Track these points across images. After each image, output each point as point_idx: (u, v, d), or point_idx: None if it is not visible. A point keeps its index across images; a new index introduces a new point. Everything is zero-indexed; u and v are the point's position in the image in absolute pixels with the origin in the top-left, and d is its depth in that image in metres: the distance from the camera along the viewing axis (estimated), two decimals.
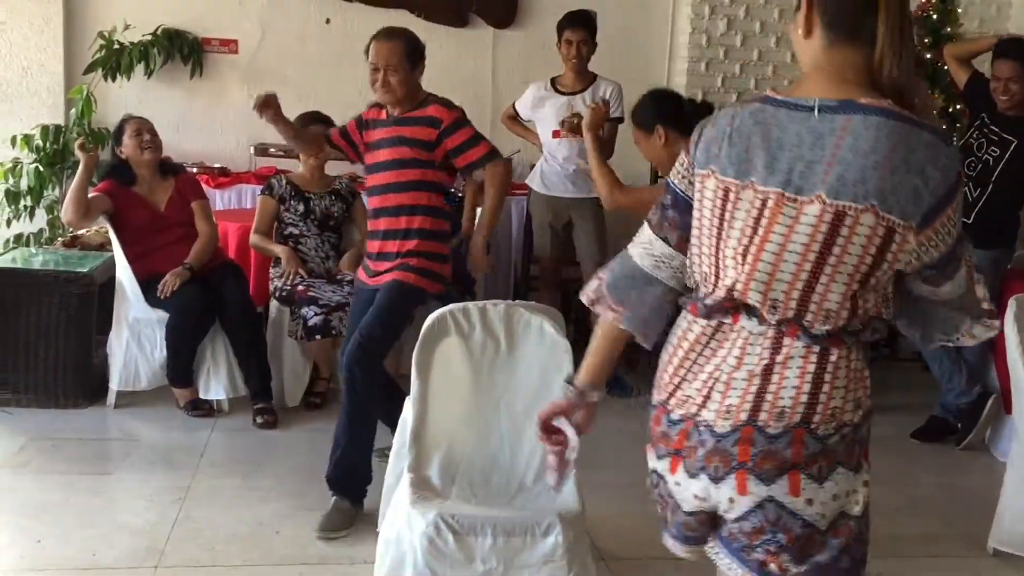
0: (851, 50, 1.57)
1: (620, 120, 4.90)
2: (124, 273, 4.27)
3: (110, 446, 4.00)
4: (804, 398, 1.56)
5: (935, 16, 6.02)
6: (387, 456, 3.08)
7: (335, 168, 4.83)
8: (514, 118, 5.22)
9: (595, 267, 3.98)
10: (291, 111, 4.58)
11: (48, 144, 5.57)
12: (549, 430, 1.87)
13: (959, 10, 6.06)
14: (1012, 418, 3.38)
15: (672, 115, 3.15)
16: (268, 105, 3.40)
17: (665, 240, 1.71)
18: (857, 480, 1.68)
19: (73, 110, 5.64)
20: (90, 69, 5.71)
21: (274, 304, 4.50)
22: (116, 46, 5.68)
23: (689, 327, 1.66)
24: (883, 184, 1.49)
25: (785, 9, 6.40)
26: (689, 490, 1.63)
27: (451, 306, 2.79)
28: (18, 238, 5.58)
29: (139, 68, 5.72)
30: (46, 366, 4.24)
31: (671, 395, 1.65)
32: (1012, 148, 4.22)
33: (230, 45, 6.02)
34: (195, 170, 5.33)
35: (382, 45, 3.29)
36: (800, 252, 1.52)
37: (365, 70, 6.16)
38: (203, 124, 6.05)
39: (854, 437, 1.67)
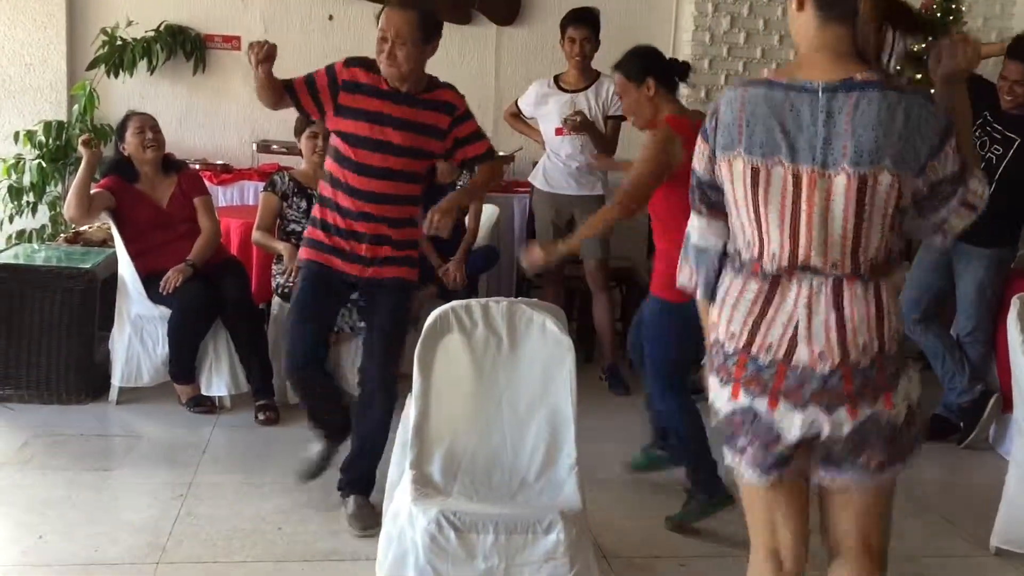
0: (840, 27, 1.83)
1: (623, 118, 4.90)
2: (126, 269, 4.27)
3: (112, 442, 4.00)
4: (875, 330, 1.86)
5: (939, 14, 6.01)
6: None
7: None
8: (517, 115, 5.22)
9: (598, 264, 3.97)
10: (291, 110, 4.59)
11: (51, 140, 5.57)
12: None
13: (963, 8, 6.04)
14: (1016, 417, 3.37)
15: (660, 70, 3.30)
16: (270, 58, 3.10)
17: (702, 214, 2.02)
18: (910, 377, 1.95)
19: (76, 106, 5.65)
20: (93, 65, 5.71)
21: (276, 301, 4.50)
22: (119, 42, 5.68)
23: (745, 285, 1.92)
24: (892, 147, 1.79)
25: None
26: (795, 422, 1.88)
27: (453, 303, 2.79)
28: (20, 234, 5.58)
29: (142, 64, 5.73)
30: (48, 362, 4.24)
31: (750, 343, 1.90)
32: (1016, 146, 4.21)
33: (233, 41, 6.01)
34: (198, 166, 5.32)
35: (395, 14, 3.03)
36: (842, 216, 1.82)
37: None
38: (206, 120, 6.05)
39: (904, 344, 1.95)
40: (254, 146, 5.83)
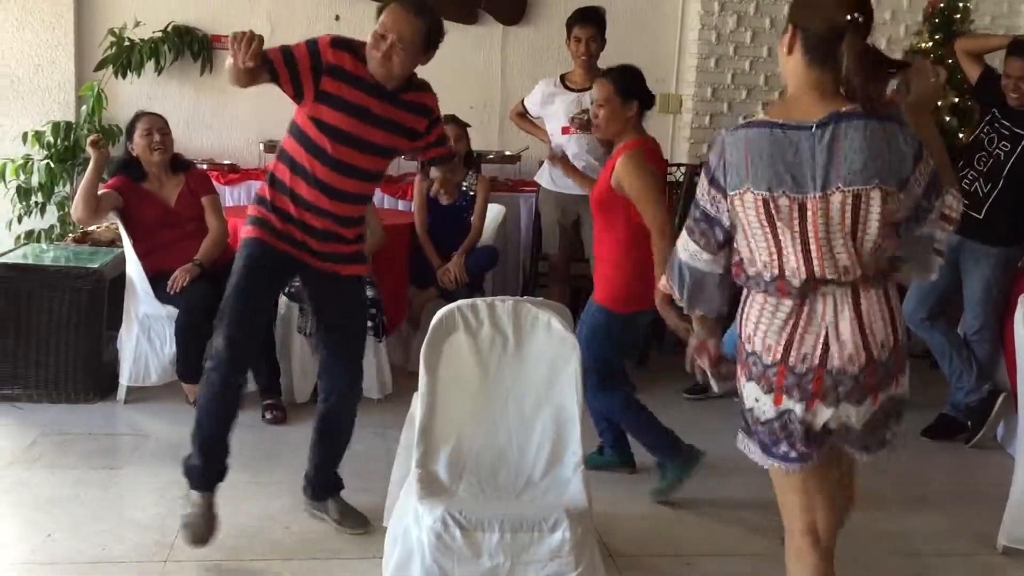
0: (824, 70, 2.10)
1: None
2: (134, 269, 4.28)
3: (120, 441, 4.02)
4: (889, 327, 2.13)
5: (946, 13, 5.99)
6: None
7: None
8: (523, 115, 5.22)
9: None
10: None
11: (59, 141, 5.60)
12: (717, 364, 2.41)
13: (970, 7, 6.03)
14: (1022, 415, 3.36)
15: (645, 96, 3.56)
16: (257, 54, 2.74)
17: (706, 249, 2.21)
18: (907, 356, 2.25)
19: (84, 107, 5.67)
20: (101, 66, 5.74)
21: (283, 300, 4.51)
22: (127, 43, 5.71)
23: (778, 303, 2.13)
24: (877, 167, 2.04)
25: None
26: (824, 416, 2.14)
27: (459, 302, 2.80)
28: (29, 234, 5.61)
29: (149, 65, 5.75)
30: (57, 362, 4.26)
31: (787, 356, 2.13)
32: (1023, 143, 4.20)
33: None
34: (205, 166, 5.34)
35: (403, 17, 2.84)
36: (841, 231, 2.06)
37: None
38: (213, 121, 6.07)
39: (906, 332, 2.25)
40: (261, 146, 5.85)
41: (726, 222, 2.16)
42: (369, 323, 4.32)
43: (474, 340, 2.74)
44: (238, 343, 2.95)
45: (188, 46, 5.85)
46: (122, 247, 4.42)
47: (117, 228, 4.49)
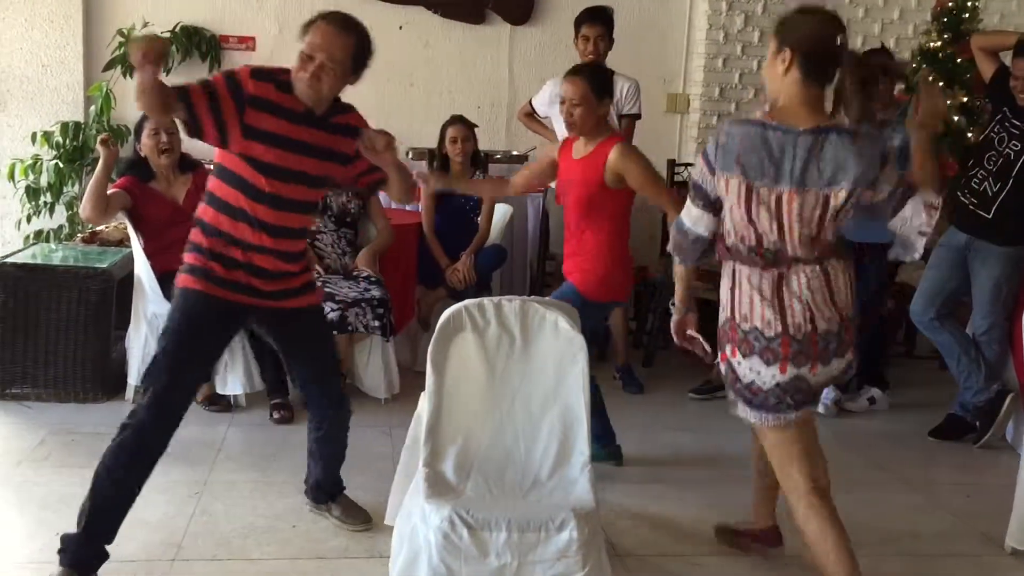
0: (817, 89, 2.48)
1: (637, 116, 4.90)
2: (142, 268, 4.30)
3: None
4: (851, 293, 2.57)
5: (954, 12, 5.98)
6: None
7: None
8: (531, 115, 5.23)
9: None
10: None
11: (68, 141, 5.62)
12: (685, 339, 2.82)
13: (979, 5, 6.01)
14: None
15: (611, 97, 3.66)
16: (160, 57, 2.55)
17: (703, 209, 2.58)
18: None
19: (92, 107, 5.69)
20: (109, 66, 5.76)
21: None
22: None
23: (756, 282, 2.51)
24: (848, 173, 2.43)
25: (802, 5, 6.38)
26: (823, 375, 2.56)
27: (466, 302, 2.80)
28: (38, 234, 5.63)
29: None
30: (65, 361, 4.28)
31: (785, 327, 2.49)
32: None
33: (248, 42, 6.05)
34: (212, 166, 5.34)
35: (332, 35, 2.68)
36: (814, 221, 2.47)
37: (384, 67, 6.18)
38: None
39: None
40: None
41: (712, 196, 2.55)
42: (376, 323, 4.35)
43: (481, 339, 2.74)
44: (167, 405, 2.71)
45: (196, 46, 5.87)
46: (130, 247, 4.43)
47: (125, 228, 4.50)
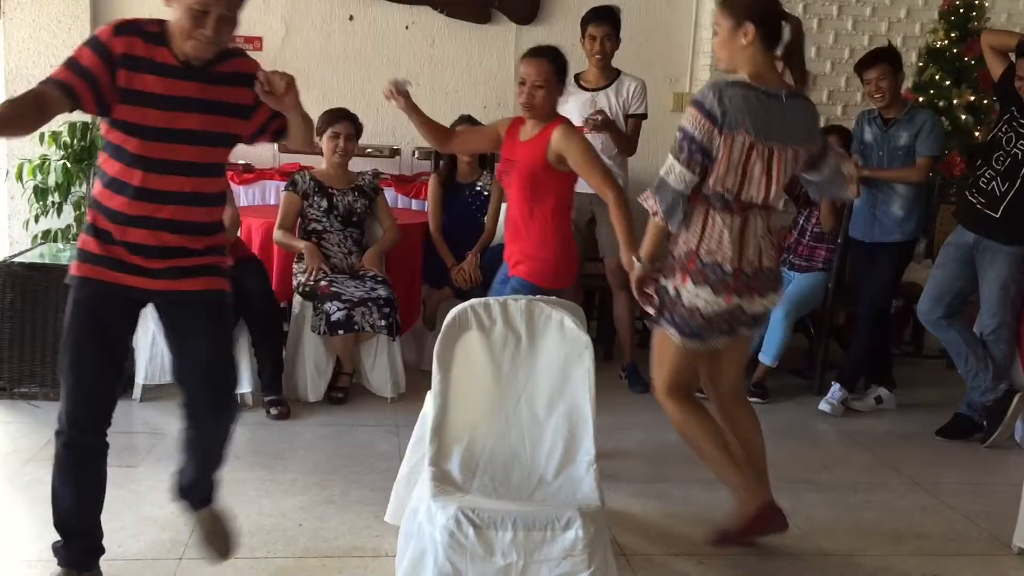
0: (772, 55, 2.87)
1: (644, 116, 4.90)
2: None
3: (136, 439, 4.03)
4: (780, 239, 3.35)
5: (961, 10, 5.97)
6: None
7: (358, 164, 4.85)
8: None
9: (618, 263, 4.06)
10: (315, 108, 4.61)
11: (76, 141, 5.63)
12: (644, 294, 3.03)
13: (986, 4, 6.00)
14: None
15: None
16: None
17: (692, 171, 2.85)
18: None
19: None
20: None
21: (297, 299, 4.54)
22: None
23: (728, 222, 2.89)
24: (807, 133, 2.95)
25: (809, 4, 6.38)
26: (758, 306, 2.99)
27: (472, 301, 2.80)
28: (46, 234, 5.64)
29: None
30: None
31: (739, 263, 2.90)
32: None
33: (254, 42, 6.05)
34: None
35: None
36: (784, 173, 2.91)
37: (390, 67, 6.19)
38: None
39: None
40: (275, 146, 5.86)
41: (713, 153, 2.81)
42: (383, 322, 4.36)
43: (487, 339, 2.75)
44: (82, 400, 2.58)
45: None
46: None
47: None
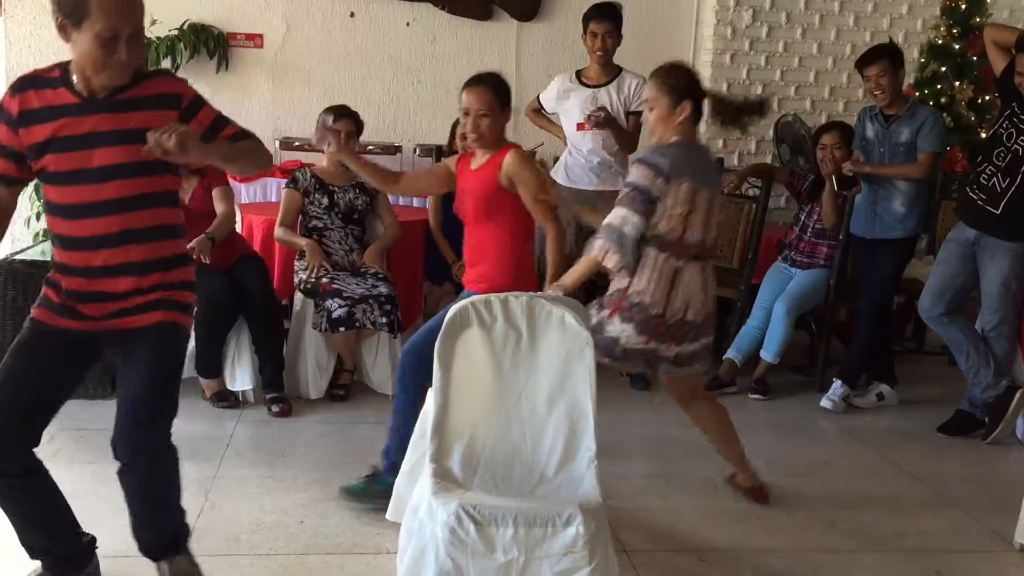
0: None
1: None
2: None
3: None
4: (713, 291, 3.31)
5: (963, 7, 5.96)
6: None
7: None
8: (539, 111, 5.21)
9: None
10: (316, 106, 4.64)
11: None
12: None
13: (988, 1, 5.99)
14: None
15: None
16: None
17: (646, 220, 3.13)
18: None
19: None
20: None
21: (298, 296, 4.54)
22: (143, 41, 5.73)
23: (663, 267, 3.15)
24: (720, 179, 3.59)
25: (810, 0, 6.38)
26: (672, 351, 3.22)
27: (473, 298, 2.80)
28: (47, 232, 5.63)
29: (166, 63, 5.77)
30: None
31: (665, 309, 3.16)
32: None
33: (256, 39, 6.06)
34: None
35: (122, 5, 2.30)
36: (717, 218, 3.31)
37: (391, 64, 6.19)
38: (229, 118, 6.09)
39: None
40: (277, 143, 5.87)
41: (661, 199, 3.11)
42: (384, 319, 4.36)
43: (488, 335, 2.75)
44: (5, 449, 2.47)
45: (204, 44, 5.88)
46: None
47: None
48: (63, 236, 2.42)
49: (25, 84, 2.41)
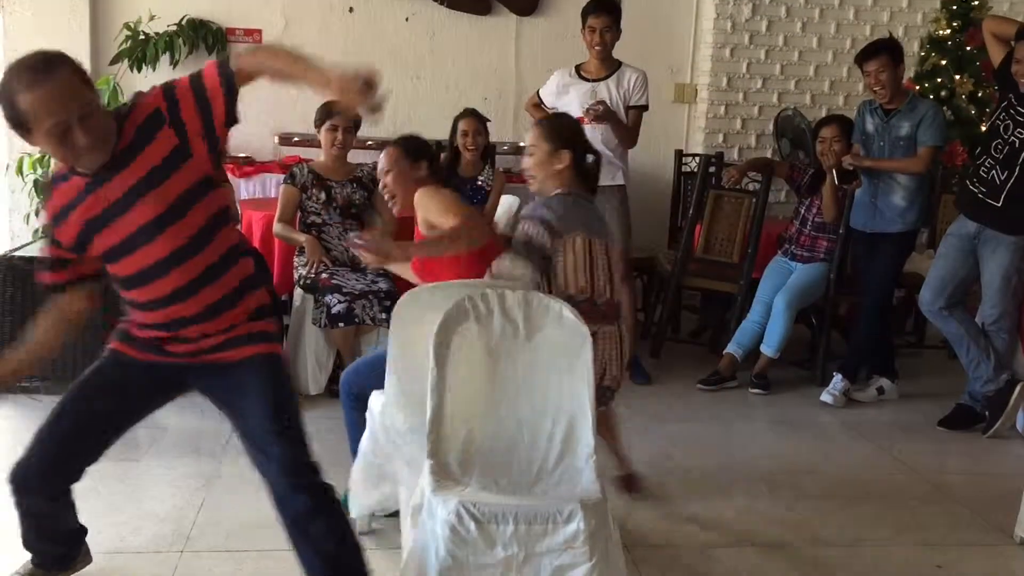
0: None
1: (645, 108, 4.89)
2: None
3: (137, 433, 3.99)
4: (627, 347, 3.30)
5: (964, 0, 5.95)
6: None
7: (357, 156, 4.84)
8: (538, 106, 5.20)
9: (619, 253, 4.07)
10: (315, 101, 4.61)
11: None
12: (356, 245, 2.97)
13: None
14: None
15: (432, 158, 3.46)
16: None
17: (535, 267, 3.02)
18: None
19: None
20: (116, 60, 5.77)
21: (298, 292, 4.53)
22: (141, 36, 5.73)
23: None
24: (610, 227, 3.39)
25: None
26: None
27: (469, 292, 2.79)
28: (47, 228, 5.63)
29: (164, 58, 5.78)
30: (74, 353, 4.26)
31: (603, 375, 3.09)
32: None
33: (254, 35, 6.05)
34: None
35: (51, 86, 2.07)
36: (611, 269, 3.16)
37: (389, 59, 6.16)
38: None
39: None
40: (276, 139, 5.87)
41: (555, 258, 3.02)
42: (384, 315, 4.35)
43: (485, 330, 2.74)
44: (43, 465, 2.41)
45: (203, 39, 5.87)
46: None
47: None
48: (142, 303, 2.34)
49: (48, 190, 2.37)
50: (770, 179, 5.21)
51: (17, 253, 4.40)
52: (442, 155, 5.03)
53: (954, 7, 5.95)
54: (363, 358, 3.42)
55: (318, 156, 4.82)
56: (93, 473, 3.45)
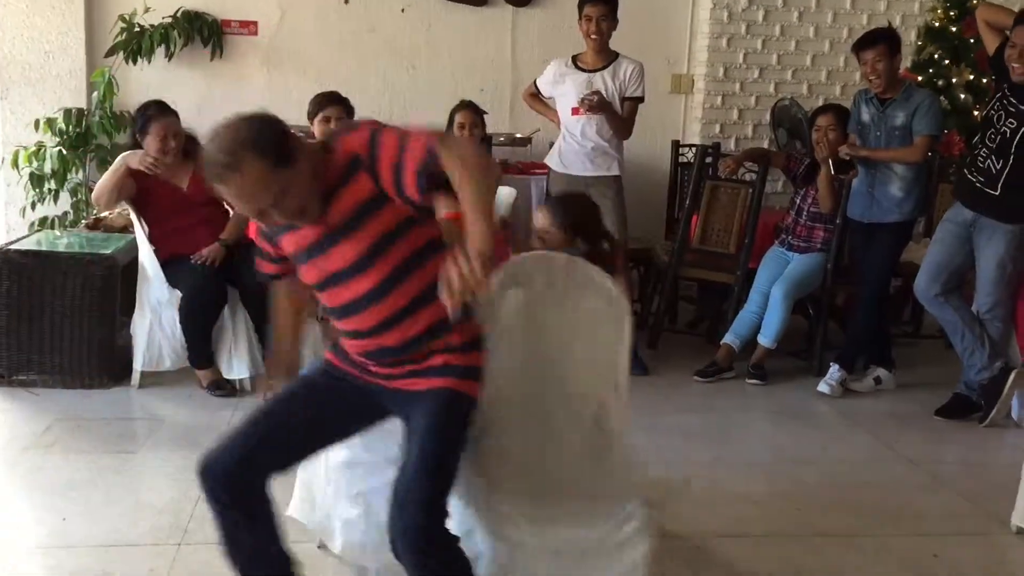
0: None
1: (640, 99, 4.88)
2: (146, 255, 4.30)
3: (135, 426, 4.05)
4: None
5: None
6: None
7: None
8: (535, 95, 5.20)
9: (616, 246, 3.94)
10: (309, 92, 4.61)
11: (71, 127, 5.62)
12: None
13: None
14: None
15: None
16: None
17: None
18: None
19: (95, 93, 5.69)
20: (111, 52, 5.75)
21: None
22: (137, 29, 5.71)
23: None
24: None
25: None
26: None
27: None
28: (43, 221, 5.64)
29: (160, 51, 5.76)
30: (71, 347, 4.29)
31: None
32: None
33: (249, 27, 6.03)
34: None
35: (242, 185, 2.08)
36: None
37: (386, 50, 6.13)
38: (224, 106, 5.98)
39: None
40: None
41: None
42: None
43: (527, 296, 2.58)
44: (240, 470, 2.28)
45: (198, 31, 5.86)
46: (134, 233, 4.44)
47: (129, 214, 4.51)
48: (349, 331, 2.31)
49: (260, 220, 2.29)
50: (767, 169, 5.21)
51: (13, 246, 4.39)
52: None
53: None
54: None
55: None
56: (90, 466, 3.48)
